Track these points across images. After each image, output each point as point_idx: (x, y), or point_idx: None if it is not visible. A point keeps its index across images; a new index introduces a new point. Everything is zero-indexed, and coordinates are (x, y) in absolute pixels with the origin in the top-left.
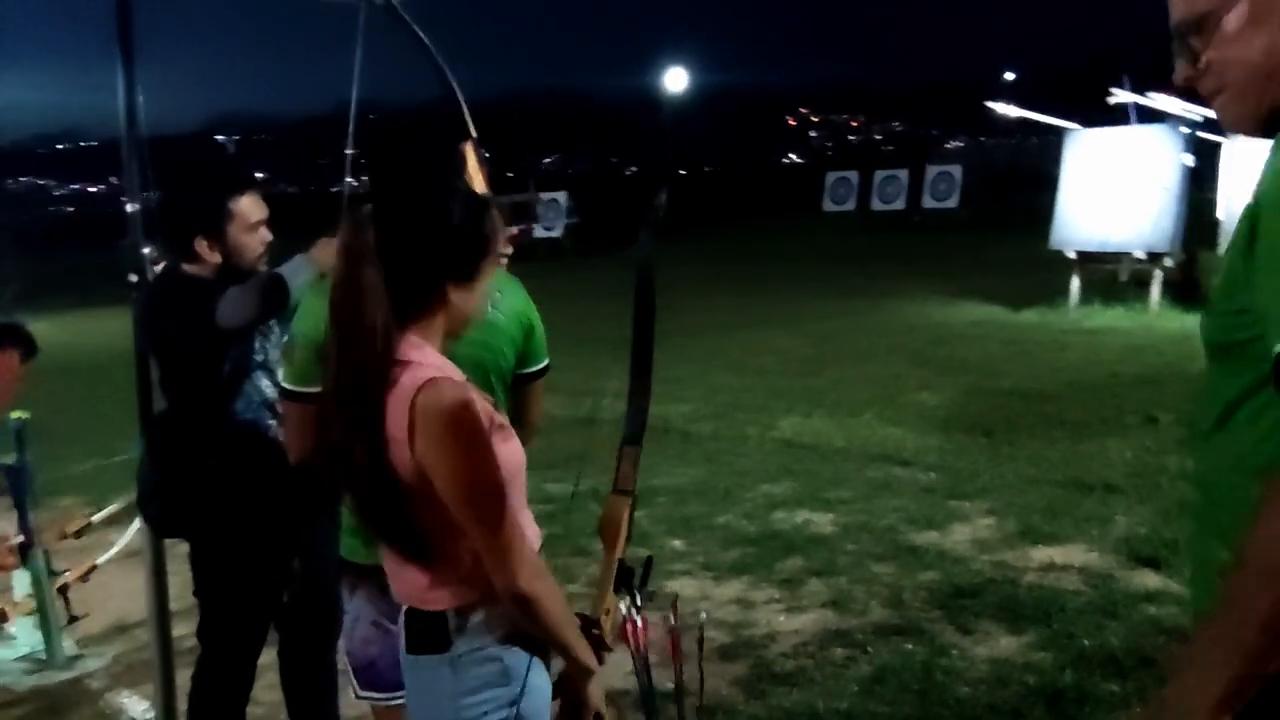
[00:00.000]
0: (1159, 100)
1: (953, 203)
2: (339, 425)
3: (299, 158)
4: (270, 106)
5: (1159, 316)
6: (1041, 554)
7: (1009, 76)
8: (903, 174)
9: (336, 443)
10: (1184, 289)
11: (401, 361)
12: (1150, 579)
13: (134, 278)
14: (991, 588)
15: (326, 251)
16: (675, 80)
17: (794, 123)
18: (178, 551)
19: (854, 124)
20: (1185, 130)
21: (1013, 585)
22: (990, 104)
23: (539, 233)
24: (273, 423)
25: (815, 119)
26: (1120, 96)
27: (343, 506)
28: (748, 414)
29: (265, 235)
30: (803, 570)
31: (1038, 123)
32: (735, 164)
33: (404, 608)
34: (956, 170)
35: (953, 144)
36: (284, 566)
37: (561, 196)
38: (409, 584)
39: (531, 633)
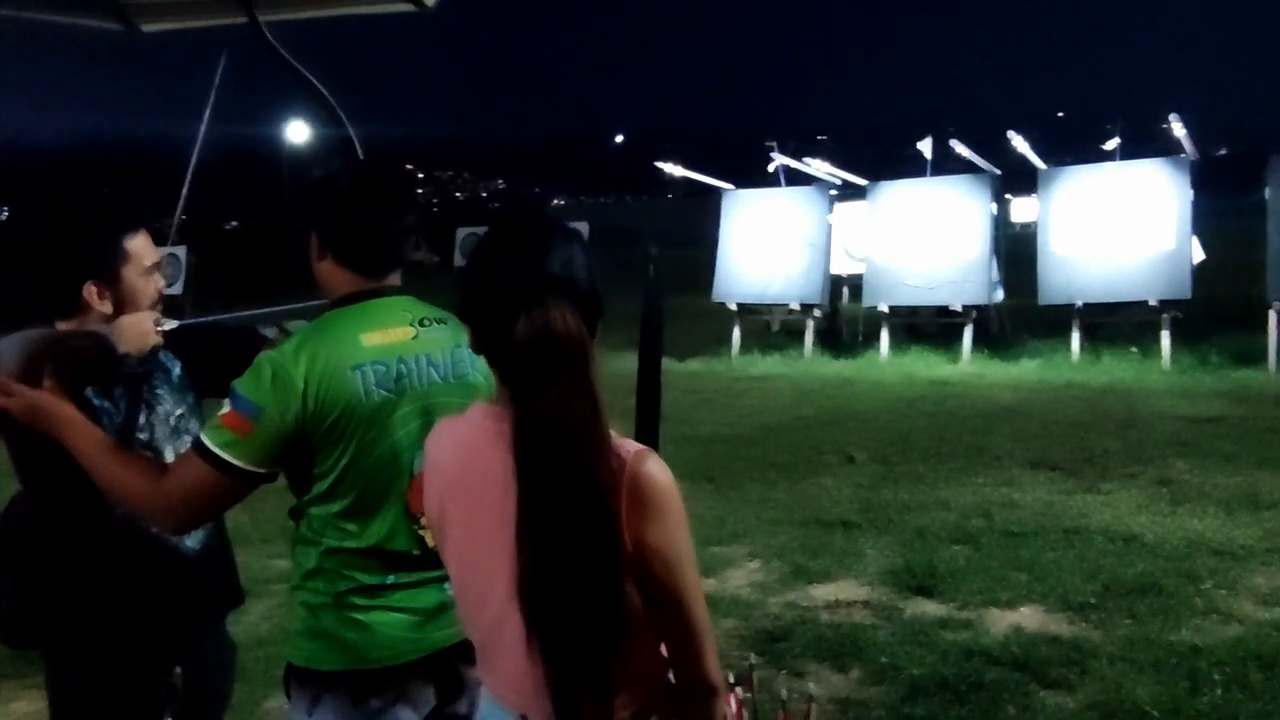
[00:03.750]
0: (811, 165)
1: None
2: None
3: None
4: None
5: (813, 362)
6: (821, 592)
7: (619, 139)
8: None
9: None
10: (829, 337)
11: None
12: (930, 607)
13: None
14: (798, 629)
15: (133, 330)
16: (297, 132)
17: None
18: None
19: (460, 180)
20: (831, 192)
21: (815, 624)
22: (659, 164)
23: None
24: None
25: (421, 174)
26: (777, 160)
27: (300, 608)
28: None
29: (160, 282)
30: None
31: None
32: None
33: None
34: (584, 226)
35: (557, 202)
36: (164, 682)
37: (181, 251)
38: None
39: None
